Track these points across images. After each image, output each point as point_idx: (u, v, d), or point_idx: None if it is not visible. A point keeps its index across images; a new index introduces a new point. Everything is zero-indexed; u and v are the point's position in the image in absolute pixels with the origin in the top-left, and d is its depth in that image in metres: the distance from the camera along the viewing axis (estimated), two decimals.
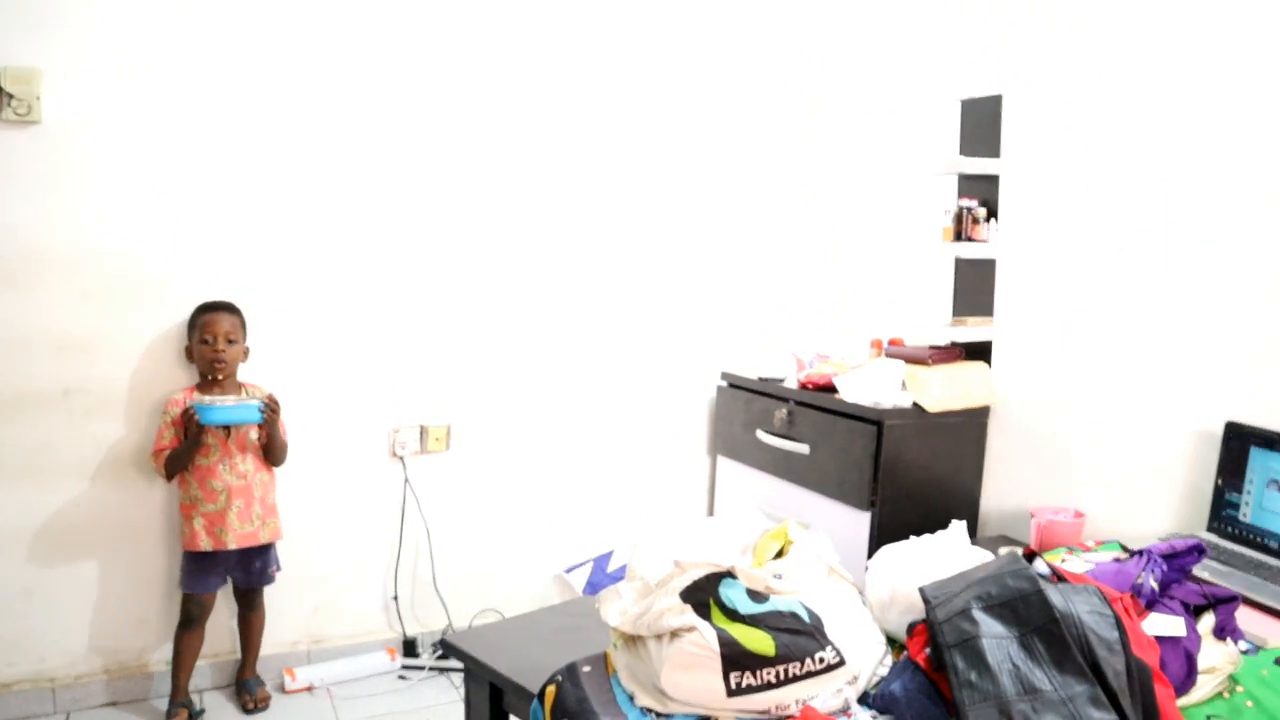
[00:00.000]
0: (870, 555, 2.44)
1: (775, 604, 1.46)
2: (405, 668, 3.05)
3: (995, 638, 1.36)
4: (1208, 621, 1.62)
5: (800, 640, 1.42)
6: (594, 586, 3.29)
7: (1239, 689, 1.54)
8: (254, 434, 2.70)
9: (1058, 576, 1.50)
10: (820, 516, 2.88)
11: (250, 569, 2.75)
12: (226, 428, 2.64)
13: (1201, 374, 2.36)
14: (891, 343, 3.11)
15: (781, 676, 1.40)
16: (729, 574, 1.49)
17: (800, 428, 3.02)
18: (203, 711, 2.74)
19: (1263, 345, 2.24)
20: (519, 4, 3.07)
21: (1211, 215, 2.33)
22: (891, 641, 1.64)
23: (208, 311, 2.67)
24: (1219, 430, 2.26)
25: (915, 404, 2.81)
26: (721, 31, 3.44)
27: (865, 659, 1.51)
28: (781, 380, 3.20)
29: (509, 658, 1.75)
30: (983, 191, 2.96)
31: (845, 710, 1.45)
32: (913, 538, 1.81)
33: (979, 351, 2.97)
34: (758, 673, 1.39)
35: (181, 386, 2.71)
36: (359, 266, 2.95)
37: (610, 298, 3.35)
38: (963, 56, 3.00)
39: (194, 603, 2.69)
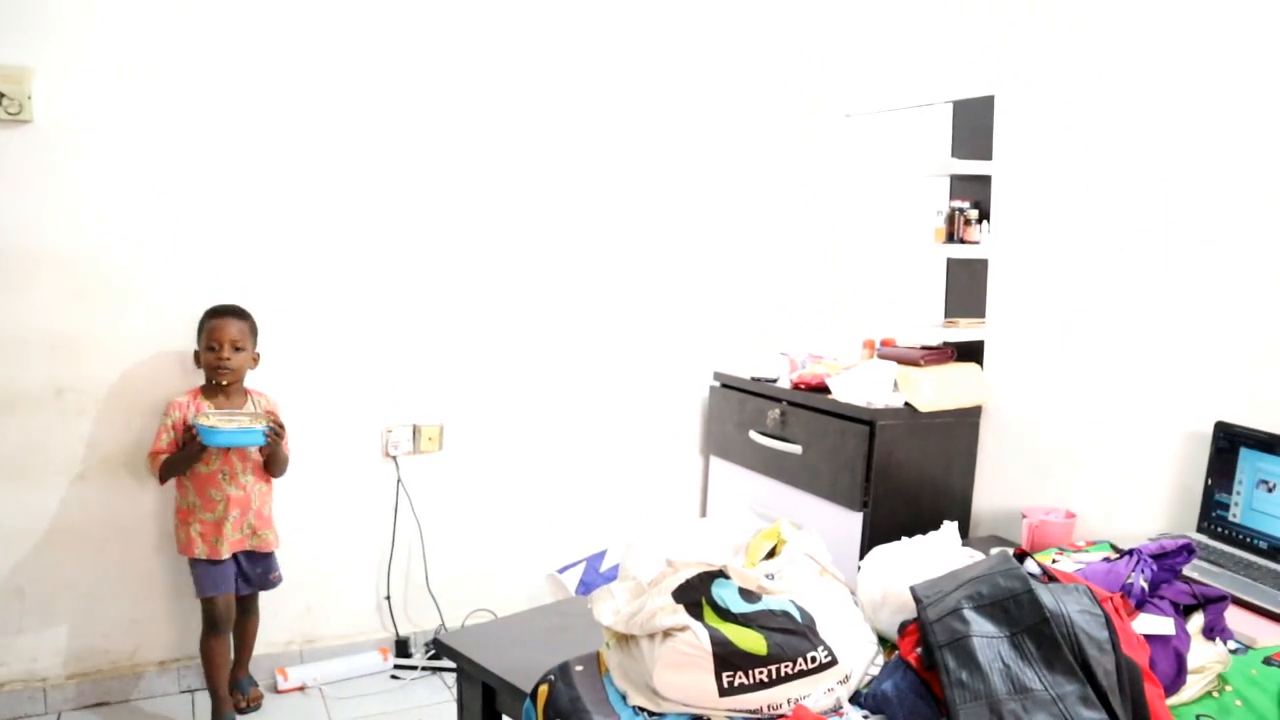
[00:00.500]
0: (862, 555, 2.45)
1: (767, 603, 1.46)
2: (398, 667, 3.05)
3: (986, 637, 1.36)
4: (1197, 621, 1.63)
5: (792, 640, 1.43)
6: (587, 586, 3.29)
7: (1228, 688, 1.55)
8: (255, 449, 2.65)
9: (1048, 576, 1.51)
10: (812, 516, 2.89)
11: (252, 575, 2.71)
12: None
13: (1192, 375, 2.37)
14: (884, 343, 3.12)
15: (773, 676, 1.40)
16: (721, 574, 1.49)
17: (793, 428, 3.03)
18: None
19: (1253, 346, 2.25)
20: (517, 3, 3.08)
21: (1203, 217, 2.34)
22: (883, 641, 1.64)
23: (215, 316, 2.61)
24: (1209, 431, 2.28)
25: (907, 404, 2.82)
26: (721, 31, 3.44)
27: (857, 658, 1.52)
28: (774, 380, 3.20)
29: (502, 657, 1.75)
30: (974, 193, 2.97)
31: (837, 709, 1.45)
32: (904, 538, 1.82)
33: (971, 352, 2.98)
34: (750, 672, 1.40)
35: (185, 390, 2.66)
36: (352, 266, 2.95)
37: (603, 297, 3.35)
38: (955, 58, 3.01)
39: (215, 606, 2.61)
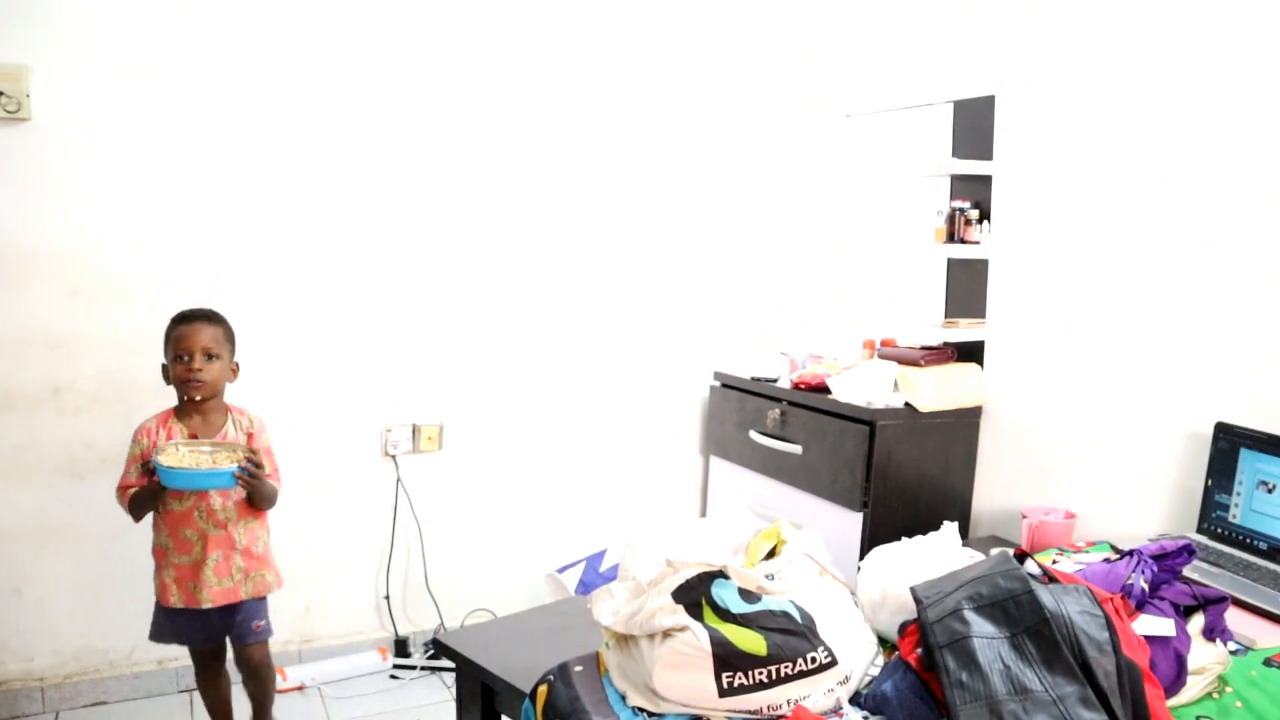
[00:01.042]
0: (862, 555, 2.45)
1: (767, 604, 1.46)
2: (397, 667, 3.05)
3: (986, 638, 1.36)
4: (1197, 622, 1.62)
5: (792, 640, 1.42)
6: (586, 586, 3.28)
7: (1228, 690, 1.55)
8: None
9: (1049, 577, 1.50)
10: (812, 517, 2.89)
11: (228, 627, 2.35)
12: None
13: (1192, 375, 2.37)
14: (884, 343, 3.12)
15: (773, 676, 1.40)
16: (721, 574, 1.49)
17: (792, 428, 3.03)
18: None
19: (1253, 347, 2.25)
20: (516, 3, 3.07)
21: (1203, 217, 2.33)
22: (883, 642, 1.64)
23: (182, 322, 2.27)
24: (1209, 431, 2.27)
25: (907, 405, 2.82)
26: (721, 32, 3.44)
27: (857, 659, 1.52)
28: (774, 380, 3.20)
29: (501, 657, 1.75)
30: (975, 193, 2.97)
31: (837, 710, 1.45)
32: (904, 538, 1.82)
33: (971, 352, 2.98)
34: (749, 673, 1.39)
35: (159, 409, 2.33)
36: (352, 265, 2.94)
37: (603, 297, 3.35)
38: (955, 58, 3.01)
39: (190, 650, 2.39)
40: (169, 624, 2.31)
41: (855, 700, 1.49)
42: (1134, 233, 2.49)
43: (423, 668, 3.05)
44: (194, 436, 2.26)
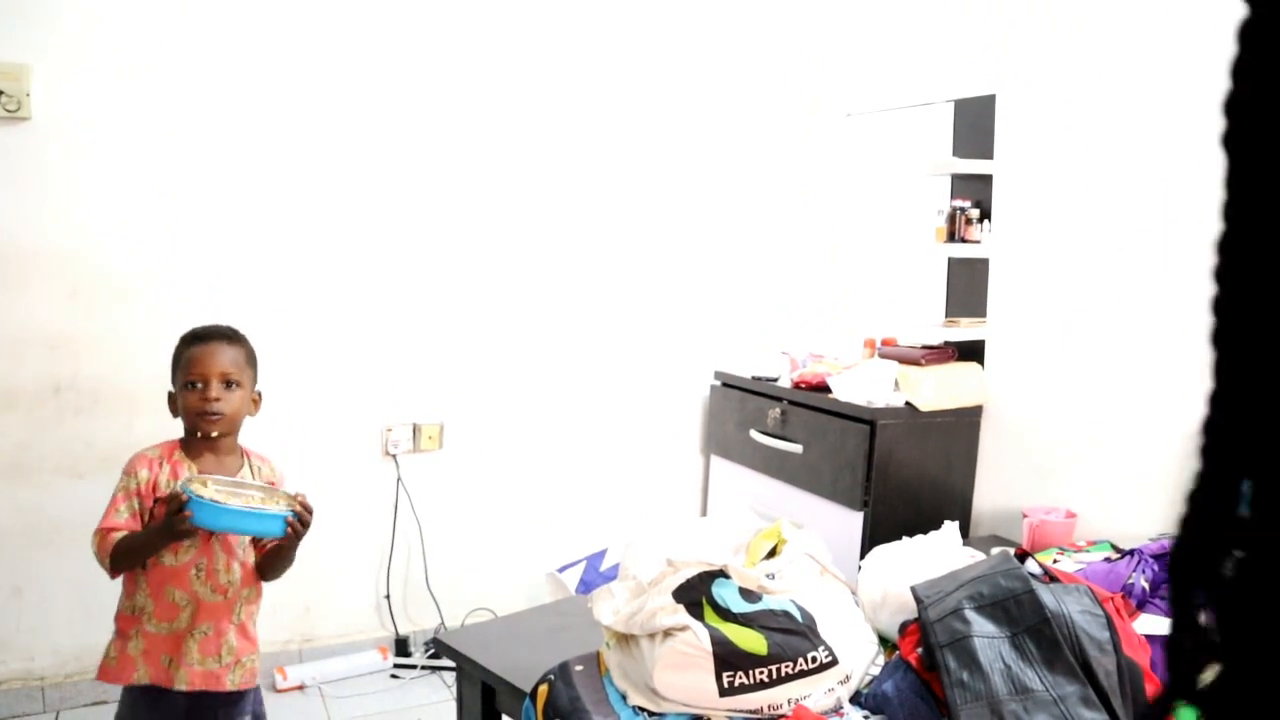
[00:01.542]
0: (863, 555, 2.45)
1: (768, 603, 1.46)
2: (397, 666, 3.05)
3: (987, 637, 1.36)
4: None
5: (793, 640, 1.42)
6: (587, 585, 3.28)
7: None
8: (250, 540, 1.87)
9: (1049, 576, 1.50)
10: (813, 516, 2.88)
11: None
12: None
13: (1192, 375, 2.36)
14: (885, 343, 3.12)
15: (774, 676, 1.40)
16: (722, 573, 1.49)
17: (793, 427, 3.02)
18: None
19: None
20: (515, 3, 3.07)
21: (1203, 217, 2.33)
22: (883, 641, 1.64)
23: (196, 342, 1.86)
24: None
25: (908, 404, 2.82)
26: (721, 31, 3.44)
27: (857, 658, 1.52)
28: (775, 380, 3.20)
29: (501, 657, 1.74)
30: (975, 192, 2.96)
31: (837, 710, 1.45)
32: (905, 538, 1.82)
33: (971, 352, 2.97)
34: (750, 672, 1.39)
35: (158, 440, 1.92)
36: (353, 265, 2.94)
37: (604, 296, 3.35)
38: (956, 57, 3.01)
39: None
40: (142, 707, 1.81)
41: (856, 700, 1.48)
42: (1134, 233, 2.48)
43: (423, 667, 3.05)
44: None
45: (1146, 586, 1.63)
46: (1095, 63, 2.57)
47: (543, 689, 1.53)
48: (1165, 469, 2.42)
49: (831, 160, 3.58)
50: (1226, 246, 0.34)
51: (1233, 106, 0.33)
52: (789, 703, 1.41)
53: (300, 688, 2.89)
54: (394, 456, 3.06)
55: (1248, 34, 0.32)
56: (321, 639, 3.03)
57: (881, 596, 1.64)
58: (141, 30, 2.60)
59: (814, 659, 1.42)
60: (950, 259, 3.09)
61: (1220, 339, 0.35)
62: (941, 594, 1.46)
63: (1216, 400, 0.37)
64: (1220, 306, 0.34)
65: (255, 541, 1.85)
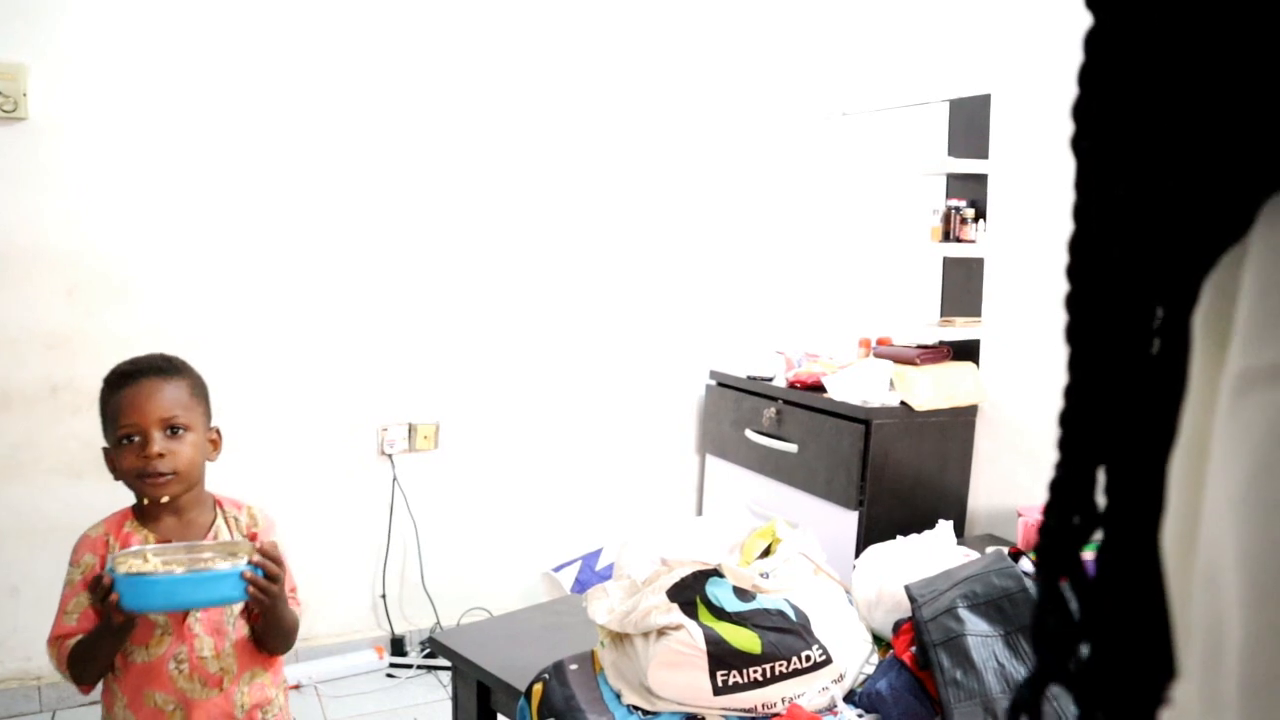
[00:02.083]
0: (857, 554, 2.45)
1: (762, 602, 1.46)
2: (393, 666, 3.05)
3: (981, 636, 1.36)
4: None
5: (787, 639, 1.43)
6: (582, 585, 3.29)
7: None
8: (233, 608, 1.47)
9: None
10: (808, 515, 2.89)
11: None
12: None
13: None
14: (880, 342, 3.13)
15: (768, 675, 1.40)
16: (716, 572, 1.49)
17: (788, 427, 3.03)
18: None
19: None
20: (515, 3, 3.07)
21: None
22: (878, 640, 1.64)
23: (124, 383, 1.49)
24: None
25: (903, 403, 2.82)
26: (717, 31, 3.44)
27: (851, 657, 1.52)
28: (770, 379, 3.20)
29: (496, 656, 1.75)
30: (971, 192, 2.97)
31: (831, 708, 1.45)
32: (900, 537, 1.82)
33: (967, 351, 2.98)
34: (744, 671, 1.40)
35: (109, 510, 1.60)
36: (350, 264, 2.94)
37: (599, 296, 3.35)
38: (951, 56, 3.01)
39: None
40: None
41: (850, 698, 1.49)
42: None
43: (419, 666, 3.05)
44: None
45: None
46: None
47: (537, 688, 1.54)
48: None
49: (827, 160, 3.58)
50: (1075, 246, 0.35)
51: (1079, 112, 0.34)
52: (783, 701, 1.41)
53: (296, 687, 2.89)
54: (389, 456, 3.06)
55: (1091, 43, 0.33)
56: (317, 638, 3.03)
57: (876, 595, 1.65)
58: (138, 30, 2.60)
59: (808, 658, 1.43)
60: (945, 258, 3.10)
61: (1071, 335, 0.37)
62: (935, 593, 1.47)
63: (1069, 393, 0.40)
64: (1070, 303, 0.36)
65: (247, 609, 1.46)
